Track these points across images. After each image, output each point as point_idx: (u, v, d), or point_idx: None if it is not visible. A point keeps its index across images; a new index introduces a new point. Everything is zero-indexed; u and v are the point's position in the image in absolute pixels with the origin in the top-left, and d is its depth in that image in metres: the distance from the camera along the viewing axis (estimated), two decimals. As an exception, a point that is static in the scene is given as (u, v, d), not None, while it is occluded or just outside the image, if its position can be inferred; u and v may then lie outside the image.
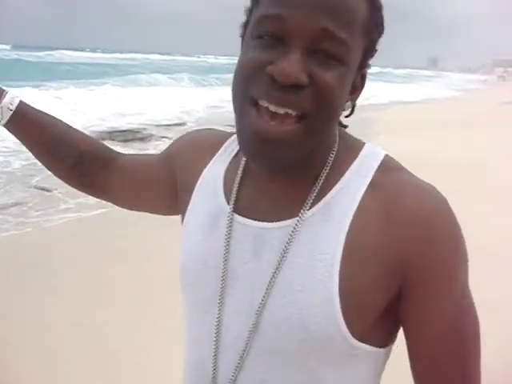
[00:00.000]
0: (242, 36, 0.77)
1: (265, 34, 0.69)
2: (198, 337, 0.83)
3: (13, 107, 0.98)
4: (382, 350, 0.78)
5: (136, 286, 3.82)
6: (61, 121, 1.06)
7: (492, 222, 5.15)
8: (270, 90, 0.68)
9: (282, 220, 0.76)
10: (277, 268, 0.74)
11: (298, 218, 0.75)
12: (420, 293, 0.72)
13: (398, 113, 16.15)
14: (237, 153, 0.88)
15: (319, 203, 0.76)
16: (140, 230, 4.80)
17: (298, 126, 0.69)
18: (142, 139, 10.36)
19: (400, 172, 0.77)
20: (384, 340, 0.78)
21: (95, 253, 4.41)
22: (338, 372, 0.75)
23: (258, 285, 0.75)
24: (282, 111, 0.69)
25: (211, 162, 0.89)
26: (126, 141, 10.05)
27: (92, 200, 5.61)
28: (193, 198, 0.88)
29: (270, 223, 0.77)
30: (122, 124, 11.95)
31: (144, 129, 11.42)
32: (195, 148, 0.93)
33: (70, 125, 1.07)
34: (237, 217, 0.80)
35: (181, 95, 18.77)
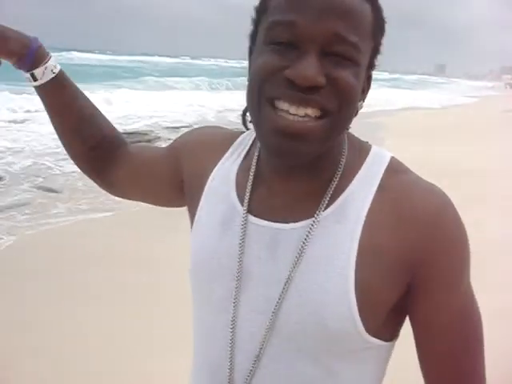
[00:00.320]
0: (251, 46, 0.79)
1: (278, 39, 0.71)
2: (211, 335, 0.84)
3: (56, 70, 1.00)
4: (389, 343, 0.82)
5: (145, 288, 3.82)
6: (91, 102, 1.08)
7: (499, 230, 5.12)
8: (289, 92, 0.70)
9: (298, 221, 0.79)
10: (293, 268, 0.76)
11: (313, 219, 0.77)
12: (429, 288, 0.75)
13: (407, 118, 16.11)
14: (247, 153, 0.89)
15: (333, 205, 0.78)
16: (148, 232, 4.81)
17: (321, 123, 0.71)
18: (149, 141, 10.39)
19: (406, 174, 0.80)
20: (391, 334, 0.82)
21: (101, 255, 4.41)
22: (351, 366, 0.79)
23: (273, 284, 0.77)
24: (302, 112, 0.70)
25: (220, 161, 0.90)
26: (133, 143, 10.05)
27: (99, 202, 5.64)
28: (204, 196, 0.89)
29: (285, 224, 0.79)
30: (131, 126, 12.00)
31: (151, 131, 11.47)
32: (203, 146, 0.94)
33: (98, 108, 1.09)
34: (251, 217, 0.82)
35: (190, 98, 18.82)
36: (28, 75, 0.99)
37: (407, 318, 0.81)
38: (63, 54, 43.40)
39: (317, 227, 0.77)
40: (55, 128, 1.06)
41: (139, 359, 2.98)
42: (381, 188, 0.78)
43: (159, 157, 1.01)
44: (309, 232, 0.77)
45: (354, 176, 0.80)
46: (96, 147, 1.04)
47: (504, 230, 5.18)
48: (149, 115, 13.71)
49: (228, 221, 0.84)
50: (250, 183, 0.84)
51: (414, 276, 0.75)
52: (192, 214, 0.92)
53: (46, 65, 0.98)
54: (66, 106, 1.03)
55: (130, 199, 1.10)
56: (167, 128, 12.18)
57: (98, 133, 1.05)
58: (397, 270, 0.75)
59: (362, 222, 0.76)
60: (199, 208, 0.89)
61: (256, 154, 0.87)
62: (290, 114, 0.70)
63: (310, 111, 0.70)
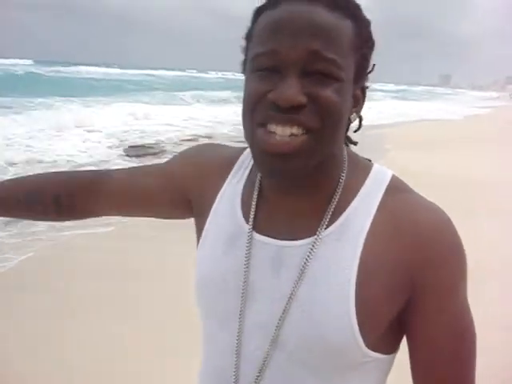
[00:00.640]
0: (243, 72, 0.83)
1: (262, 68, 0.75)
2: (218, 347, 0.87)
3: None
4: (389, 356, 0.84)
5: (149, 301, 3.82)
6: (24, 178, 1.09)
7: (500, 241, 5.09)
8: (273, 114, 0.73)
9: (300, 239, 0.81)
10: (296, 284, 0.79)
11: (315, 237, 0.80)
12: (428, 303, 0.78)
13: (422, 129, 16.14)
14: (250, 171, 0.92)
15: (335, 223, 0.80)
16: (151, 246, 4.81)
17: (305, 138, 0.74)
18: (155, 154, 10.44)
19: (407, 193, 0.83)
20: (391, 348, 0.84)
21: (103, 268, 4.42)
22: (351, 378, 0.81)
23: (277, 300, 0.80)
24: (288, 132, 0.73)
25: (226, 181, 0.92)
26: (138, 156, 10.13)
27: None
28: (211, 215, 0.91)
29: (288, 241, 0.82)
30: (137, 139, 12.07)
31: (157, 144, 11.53)
32: (209, 167, 0.95)
33: (40, 172, 1.10)
34: (256, 235, 0.84)
35: (196, 111, 18.96)
36: None
37: None
38: (71, 68, 43.88)
39: (319, 245, 0.79)
40: (16, 217, 1.10)
41: (136, 364, 2.98)
42: (382, 207, 0.80)
43: (153, 178, 1.00)
44: (311, 249, 0.79)
45: (355, 194, 0.82)
46: (57, 208, 1.03)
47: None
48: (154, 129, 13.76)
49: (234, 238, 0.86)
50: (254, 202, 0.87)
51: (413, 291, 0.77)
52: (199, 232, 0.94)
53: None
54: (6, 206, 1.04)
55: (130, 216, 1.09)
56: (173, 141, 12.24)
57: (48, 198, 1.03)
58: (396, 286, 0.77)
59: (363, 241, 0.78)
60: (206, 226, 0.91)
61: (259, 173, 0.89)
62: (278, 134, 0.73)
63: (295, 130, 0.73)
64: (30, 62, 56.02)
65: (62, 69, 41.60)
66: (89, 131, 12.53)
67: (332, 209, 0.81)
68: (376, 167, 0.86)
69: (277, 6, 0.76)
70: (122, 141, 11.72)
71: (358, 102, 0.82)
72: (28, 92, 19.13)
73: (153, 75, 46.86)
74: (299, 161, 0.75)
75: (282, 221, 0.83)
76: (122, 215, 1.08)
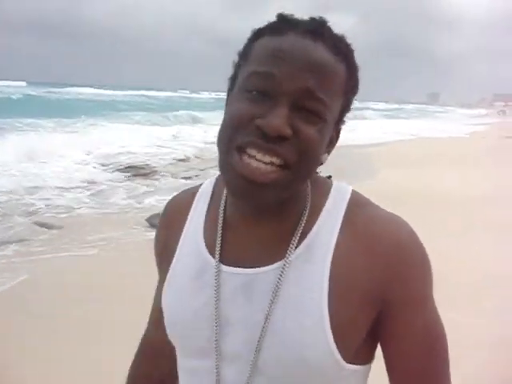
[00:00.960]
0: (230, 88, 0.84)
1: (254, 88, 0.76)
2: (196, 377, 0.86)
3: None
4: (366, 366, 0.86)
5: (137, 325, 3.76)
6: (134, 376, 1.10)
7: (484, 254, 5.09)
8: (258, 140, 0.74)
9: (270, 264, 0.82)
10: (269, 309, 0.79)
11: (284, 262, 0.81)
12: (398, 316, 0.80)
13: (418, 148, 16.25)
14: (210, 200, 0.92)
15: (301, 245, 0.82)
16: (141, 269, 4.76)
17: (282, 174, 0.75)
18: (146, 175, 10.43)
19: (367, 206, 0.85)
20: (368, 358, 0.86)
21: (95, 291, 4.37)
22: None
23: (252, 327, 0.80)
24: (267, 159, 0.74)
25: (188, 219, 0.92)
26: (129, 177, 10.11)
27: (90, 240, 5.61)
28: (176, 255, 0.91)
29: (257, 269, 0.82)
30: (128, 159, 12.04)
31: (147, 165, 11.50)
32: (168, 225, 0.96)
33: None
34: (223, 267, 0.84)
35: (187, 131, 18.99)
36: None
37: None
38: (62, 89, 43.95)
39: (289, 268, 0.80)
40: None
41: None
42: (345, 223, 0.82)
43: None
44: (281, 273, 0.80)
45: (318, 214, 0.84)
46: None
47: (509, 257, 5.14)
48: (145, 150, 13.70)
49: (201, 275, 0.86)
50: (219, 233, 0.87)
51: (384, 303, 0.79)
52: (163, 273, 0.93)
53: None
54: None
55: None
56: (165, 162, 12.23)
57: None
58: (367, 299, 0.79)
59: (330, 259, 0.79)
60: (172, 266, 0.91)
61: (222, 202, 0.89)
62: (256, 159, 0.74)
63: (275, 160, 0.75)
64: (23, 83, 56.01)
65: (52, 89, 41.65)
66: (81, 152, 12.49)
67: (300, 231, 0.82)
68: (336, 184, 0.87)
69: (283, 34, 0.77)
70: (113, 162, 11.68)
71: (332, 142, 0.84)
72: (19, 113, 19.09)
73: (145, 95, 46.99)
74: (274, 192, 0.76)
75: (249, 248, 0.84)
76: None
